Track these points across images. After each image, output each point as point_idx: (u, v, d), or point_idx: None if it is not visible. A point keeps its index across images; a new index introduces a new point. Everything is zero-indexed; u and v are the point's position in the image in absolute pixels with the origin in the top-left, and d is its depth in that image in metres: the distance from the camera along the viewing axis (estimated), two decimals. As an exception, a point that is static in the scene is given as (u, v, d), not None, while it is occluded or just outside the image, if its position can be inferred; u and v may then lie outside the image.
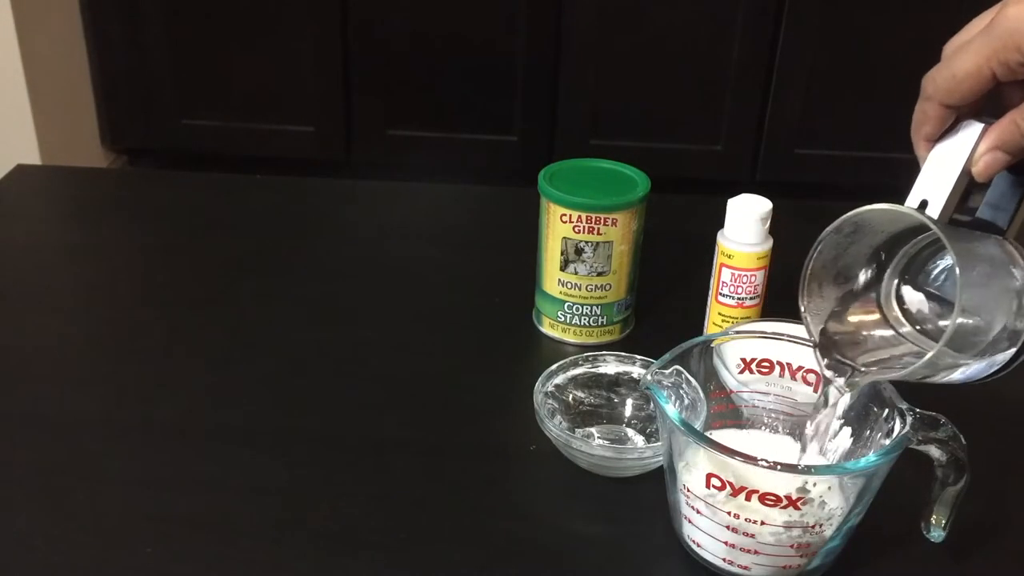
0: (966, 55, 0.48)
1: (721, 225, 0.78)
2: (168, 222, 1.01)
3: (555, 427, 0.67)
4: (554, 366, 0.72)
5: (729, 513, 0.55)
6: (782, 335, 0.63)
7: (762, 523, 0.55)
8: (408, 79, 2.35)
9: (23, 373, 0.77)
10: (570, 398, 0.72)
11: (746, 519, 0.55)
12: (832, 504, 0.55)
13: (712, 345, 0.64)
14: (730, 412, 0.65)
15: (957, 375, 0.52)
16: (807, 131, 2.35)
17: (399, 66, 2.34)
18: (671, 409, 0.56)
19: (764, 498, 0.54)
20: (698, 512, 0.58)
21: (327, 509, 0.64)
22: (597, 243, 0.78)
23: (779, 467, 0.53)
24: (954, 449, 0.55)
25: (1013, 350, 0.50)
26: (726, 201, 0.77)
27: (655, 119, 2.37)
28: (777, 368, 0.64)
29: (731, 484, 0.54)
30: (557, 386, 0.72)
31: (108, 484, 0.66)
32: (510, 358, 0.82)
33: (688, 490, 0.57)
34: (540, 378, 0.71)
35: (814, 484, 0.54)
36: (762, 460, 0.53)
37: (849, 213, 0.51)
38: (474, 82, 2.35)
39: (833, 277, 0.55)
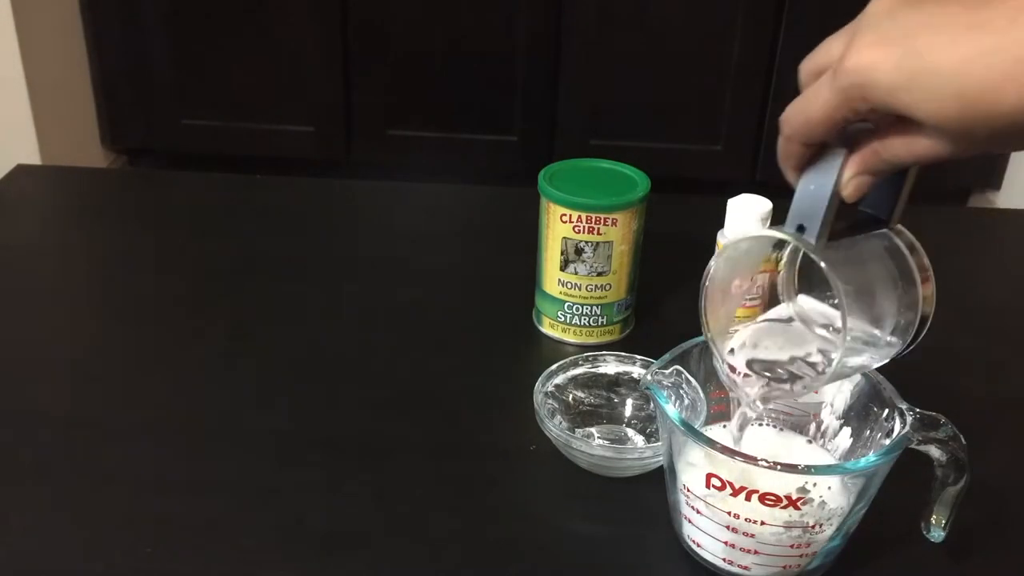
0: (817, 102, 0.48)
1: (721, 225, 0.78)
2: (168, 222, 1.01)
3: (555, 427, 0.67)
4: (554, 366, 0.72)
5: (729, 513, 0.55)
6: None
7: (762, 523, 0.55)
8: (408, 79, 2.35)
9: (23, 373, 0.77)
10: (570, 398, 0.72)
11: (746, 519, 0.55)
12: (832, 504, 0.55)
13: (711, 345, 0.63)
14: (730, 412, 0.65)
15: (875, 365, 0.54)
16: (807, 131, 2.35)
17: (399, 66, 2.34)
18: (671, 409, 0.56)
19: (764, 498, 0.54)
20: (698, 512, 0.58)
21: (327, 509, 0.64)
22: (597, 243, 0.78)
23: (779, 467, 0.53)
24: (954, 449, 0.55)
25: (911, 334, 0.53)
26: (726, 201, 0.77)
27: (655, 119, 2.37)
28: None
29: (731, 484, 0.54)
30: (557, 386, 0.72)
31: (108, 484, 0.66)
32: (510, 358, 0.82)
33: (688, 490, 0.57)
34: (540, 378, 0.71)
35: (814, 484, 0.54)
36: (762, 460, 0.53)
37: (733, 241, 0.55)
38: (474, 82, 2.35)
39: (730, 288, 0.58)
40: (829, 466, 0.59)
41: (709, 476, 0.55)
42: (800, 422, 0.64)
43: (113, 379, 0.77)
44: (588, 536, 0.63)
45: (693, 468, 0.57)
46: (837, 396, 0.62)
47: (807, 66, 0.51)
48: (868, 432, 0.60)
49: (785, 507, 0.54)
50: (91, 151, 2.45)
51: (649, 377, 0.59)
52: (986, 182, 2.47)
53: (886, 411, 0.58)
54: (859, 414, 0.61)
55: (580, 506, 0.66)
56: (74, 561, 0.60)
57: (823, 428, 0.63)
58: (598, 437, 0.71)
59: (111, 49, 2.37)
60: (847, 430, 0.61)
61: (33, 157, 2.20)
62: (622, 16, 2.26)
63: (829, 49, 0.49)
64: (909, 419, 0.55)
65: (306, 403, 0.75)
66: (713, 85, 2.32)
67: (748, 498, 0.54)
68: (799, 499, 0.54)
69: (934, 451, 0.56)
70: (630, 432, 0.72)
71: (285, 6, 2.29)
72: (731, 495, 0.55)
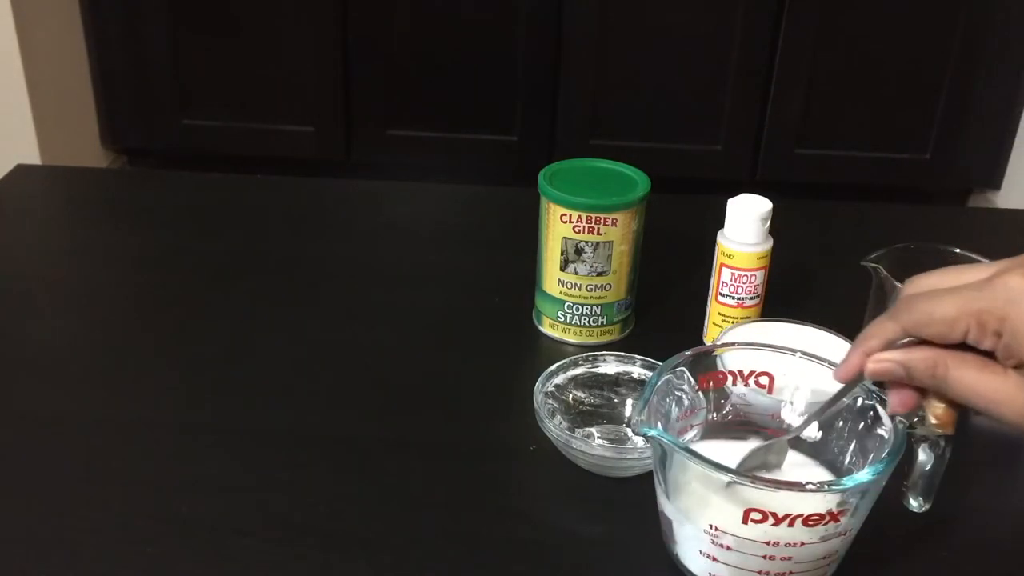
0: (951, 300, 0.48)
1: (721, 225, 0.78)
2: (168, 222, 1.01)
3: (555, 427, 0.67)
4: (554, 366, 0.72)
5: (768, 543, 0.54)
6: (778, 347, 0.63)
7: (801, 544, 0.54)
8: (408, 79, 2.35)
9: (23, 373, 0.77)
10: (570, 398, 0.72)
11: (786, 544, 0.54)
12: (863, 509, 0.55)
13: (715, 354, 0.63)
14: (734, 421, 0.64)
15: None
16: (807, 131, 2.35)
17: (399, 66, 2.34)
18: (702, 457, 0.53)
19: (807, 520, 0.52)
20: (728, 548, 0.55)
21: (327, 509, 0.64)
22: (597, 243, 0.78)
23: (827, 487, 0.52)
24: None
25: None
26: (726, 201, 0.77)
27: (655, 119, 2.37)
28: (729, 378, 0.63)
29: (774, 515, 0.53)
30: (557, 386, 0.72)
31: (108, 484, 0.66)
32: (510, 358, 0.82)
33: (718, 529, 0.55)
34: (540, 378, 0.71)
35: (853, 495, 0.54)
36: (809, 484, 0.52)
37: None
38: (474, 82, 2.35)
39: None
40: (870, 471, 0.55)
41: (748, 512, 0.53)
42: (760, 423, 0.63)
43: (112, 379, 0.77)
44: (588, 536, 0.63)
45: (724, 506, 0.55)
46: (796, 393, 0.62)
47: (921, 284, 0.51)
48: (841, 423, 0.60)
49: (827, 523, 0.53)
50: (91, 151, 2.45)
51: (635, 417, 0.56)
52: (986, 182, 2.47)
53: (859, 400, 0.58)
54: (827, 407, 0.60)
55: (580, 506, 0.66)
56: (74, 561, 0.60)
57: (785, 427, 0.63)
58: (598, 437, 0.71)
59: (111, 49, 2.37)
60: (814, 424, 0.61)
61: (33, 157, 2.20)
62: (622, 16, 2.26)
63: (957, 275, 0.50)
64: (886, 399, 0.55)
65: (306, 403, 0.75)
66: (713, 85, 2.32)
67: (791, 524, 0.53)
68: (840, 511, 0.53)
69: (921, 429, 0.55)
70: (630, 432, 0.72)
71: (285, 6, 2.29)
72: (773, 525, 0.53)
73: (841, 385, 0.54)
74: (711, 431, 0.63)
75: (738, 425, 0.64)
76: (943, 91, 2.31)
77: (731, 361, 0.63)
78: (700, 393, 0.62)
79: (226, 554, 0.61)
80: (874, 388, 0.57)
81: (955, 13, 2.22)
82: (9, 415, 0.72)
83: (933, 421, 0.51)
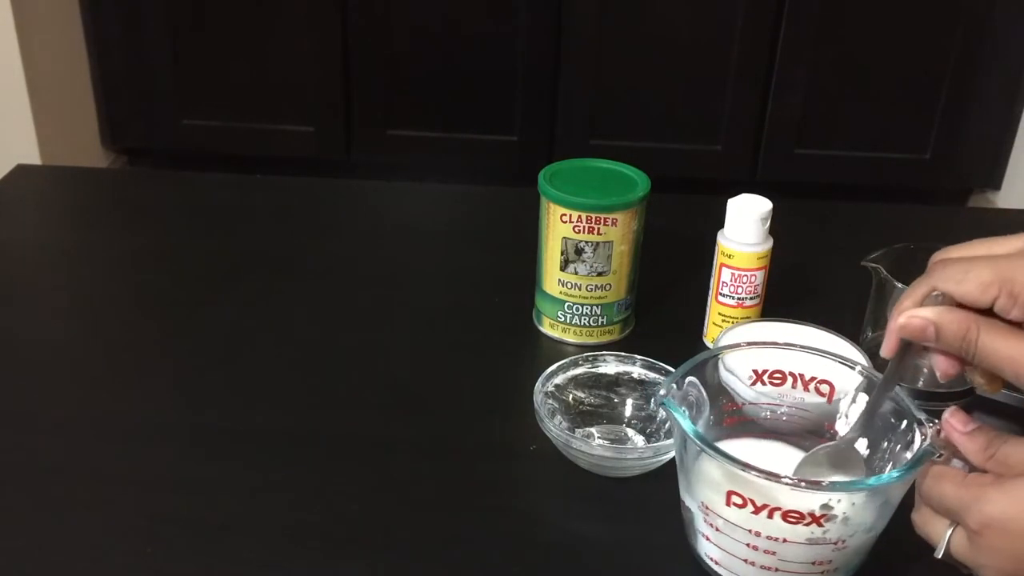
0: (987, 264, 0.49)
1: (721, 225, 0.78)
2: (168, 222, 1.01)
3: (555, 427, 0.67)
4: (554, 366, 0.72)
5: (750, 531, 0.54)
6: (794, 345, 0.63)
7: (784, 540, 0.54)
8: (408, 79, 2.35)
9: (23, 373, 0.77)
10: (570, 398, 0.72)
11: (768, 537, 0.54)
12: (856, 520, 0.54)
13: (722, 357, 0.62)
14: (745, 423, 0.64)
15: None
16: (807, 131, 2.35)
17: (399, 66, 2.34)
18: (689, 424, 0.55)
19: (787, 515, 0.52)
20: (716, 529, 0.56)
21: (326, 509, 0.64)
22: (597, 243, 0.78)
23: (803, 484, 0.52)
24: None
25: None
26: (726, 201, 0.77)
27: (655, 119, 2.37)
28: (789, 379, 0.63)
29: (752, 502, 0.53)
30: (557, 386, 0.72)
31: (108, 484, 0.66)
32: (510, 358, 0.82)
33: (707, 508, 0.56)
34: (540, 378, 0.71)
35: (838, 500, 0.53)
36: (785, 477, 0.52)
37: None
38: (474, 82, 2.35)
39: None
40: (853, 482, 0.57)
41: (730, 493, 0.54)
42: (816, 433, 0.63)
43: (112, 379, 0.77)
44: (588, 536, 0.63)
45: (713, 485, 0.55)
46: (852, 408, 0.62)
47: (968, 250, 0.53)
48: (886, 444, 0.58)
49: (808, 524, 0.53)
50: (91, 151, 2.45)
51: (663, 391, 0.57)
52: (986, 182, 2.47)
53: (904, 422, 0.57)
54: (879, 427, 0.59)
55: (580, 506, 0.66)
56: (74, 561, 0.60)
57: (835, 436, 0.62)
58: (598, 437, 0.71)
59: (111, 49, 2.37)
60: (863, 441, 0.60)
61: (33, 157, 2.20)
62: (622, 16, 2.26)
63: (994, 244, 0.52)
64: (929, 430, 0.54)
65: (305, 403, 0.75)
66: (713, 85, 2.32)
67: (771, 515, 0.53)
68: (823, 516, 0.53)
69: (957, 462, 0.54)
70: (630, 432, 0.72)
71: (285, 6, 2.29)
72: (753, 513, 0.53)
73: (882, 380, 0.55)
74: (760, 432, 0.64)
75: (789, 432, 0.64)
76: (943, 91, 2.31)
77: (792, 363, 0.63)
78: (750, 391, 0.62)
79: (226, 554, 0.61)
80: (921, 415, 0.56)
81: (955, 13, 2.22)
82: (9, 415, 0.72)
83: (980, 382, 0.52)
